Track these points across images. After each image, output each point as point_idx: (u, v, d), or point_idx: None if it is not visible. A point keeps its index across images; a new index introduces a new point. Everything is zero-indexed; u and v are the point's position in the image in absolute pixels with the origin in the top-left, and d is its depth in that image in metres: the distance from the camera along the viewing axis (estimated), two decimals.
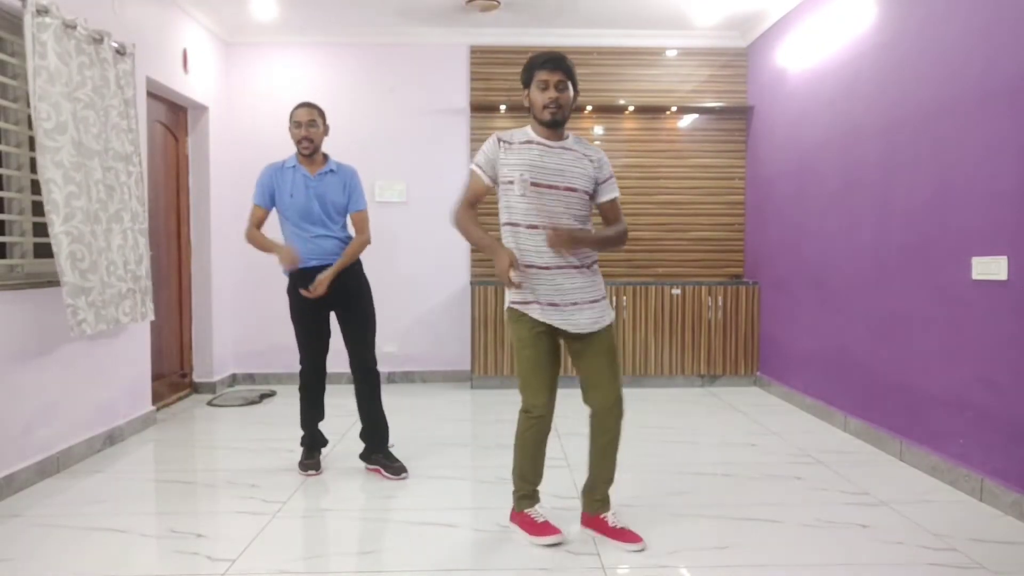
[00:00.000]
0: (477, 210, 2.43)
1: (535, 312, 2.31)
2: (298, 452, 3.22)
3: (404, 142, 5.26)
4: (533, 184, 2.25)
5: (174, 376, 4.64)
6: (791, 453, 3.42)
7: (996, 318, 2.72)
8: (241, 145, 5.17)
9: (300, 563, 2.25)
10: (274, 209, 3.11)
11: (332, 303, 3.07)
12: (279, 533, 2.48)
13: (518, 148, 2.30)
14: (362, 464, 3.18)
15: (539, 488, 2.49)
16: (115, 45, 3.44)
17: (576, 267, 2.32)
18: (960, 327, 2.92)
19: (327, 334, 3.18)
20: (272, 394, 4.85)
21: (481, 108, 5.22)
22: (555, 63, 2.25)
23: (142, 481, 3.11)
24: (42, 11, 2.89)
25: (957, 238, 2.93)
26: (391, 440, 3.22)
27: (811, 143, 4.28)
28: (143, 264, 3.65)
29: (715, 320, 5.04)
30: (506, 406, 4.52)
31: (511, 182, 2.28)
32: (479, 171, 2.35)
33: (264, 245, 3.05)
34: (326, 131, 3.12)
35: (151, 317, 3.73)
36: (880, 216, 3.52)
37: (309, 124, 3.03)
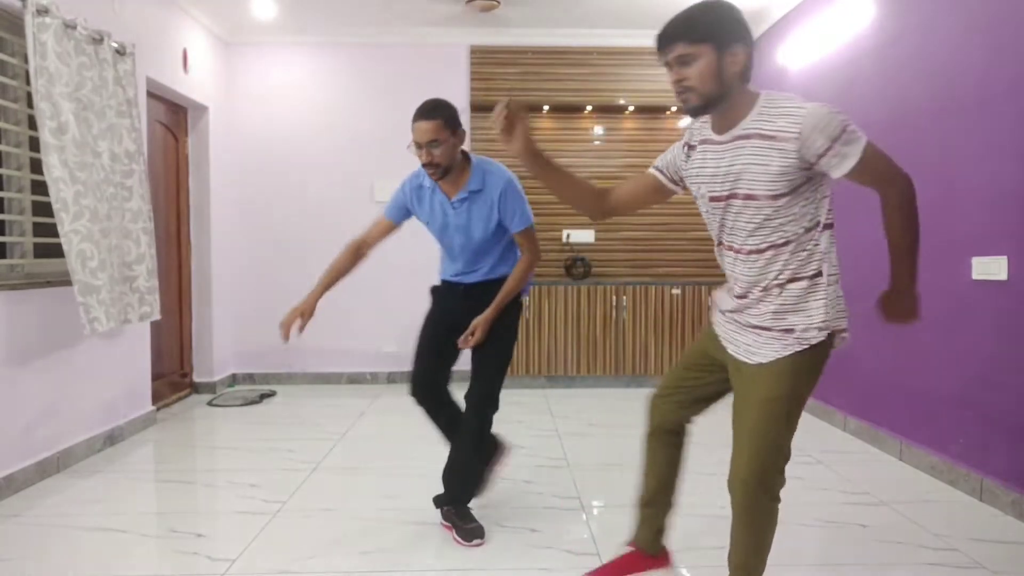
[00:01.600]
0: (623, 199, 1.89)
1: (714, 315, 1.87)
2: (298, 452, 3.18)
3: (404, 142, 5.24)
4: (712, 199, 1.70)
5: (174, 376, 4.64)
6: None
7: (996, 318, 2.72)
8: (241, 145, 5.18)
9: (300, 563, 2.25)
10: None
11: (467, 323, 2.46)
12: (279, 533, 2.48)
13: (699, 152, 1.72)
14: (361, 465, 3.16)
15: (659, 523, 2.05)
16: (115, 45, 3.44)
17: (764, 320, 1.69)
18: (960, 327, 2.92)
19: (450, 357, 2.55)
20: (272, 394, 4.84)
21: (481, 108, 5.21)
22: (662, 38, 1.58)
23: (142, 481, 3.11)
24: (42, 11, 2.89)
25: (957, 238, 2.93)
26: (474, 502, 2.59)
27: None
28: (146, 263, 3.62)
29: None
30: (506, 406, 4.48)
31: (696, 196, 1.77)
32: (654, 169, 1.86)
33: (322, 280, 2.48)
34: (459, 141, 2.35)
35: (156, 316, 3.70)
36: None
37: (430, 145, 2.27)
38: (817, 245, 1.66)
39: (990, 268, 2.73)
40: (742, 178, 1.60)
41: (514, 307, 2.51)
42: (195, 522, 2.63)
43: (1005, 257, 2.66)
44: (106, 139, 3.32)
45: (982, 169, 2.80)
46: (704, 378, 1.89)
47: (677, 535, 2.46)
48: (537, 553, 2.32)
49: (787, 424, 1.70)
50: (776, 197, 1.58)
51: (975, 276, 2.82)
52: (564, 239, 5.31)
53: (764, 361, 1.66)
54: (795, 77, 4.50)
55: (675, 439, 2.03)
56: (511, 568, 2.22)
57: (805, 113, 1.51)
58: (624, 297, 5.00)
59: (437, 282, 2.63)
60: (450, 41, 5.22)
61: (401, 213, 2.51)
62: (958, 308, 2.92)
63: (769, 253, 1.65)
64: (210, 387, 4.89)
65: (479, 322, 2.38)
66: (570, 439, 3.69)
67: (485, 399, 2.48)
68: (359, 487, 2.99)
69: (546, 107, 5.23)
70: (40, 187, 3.02)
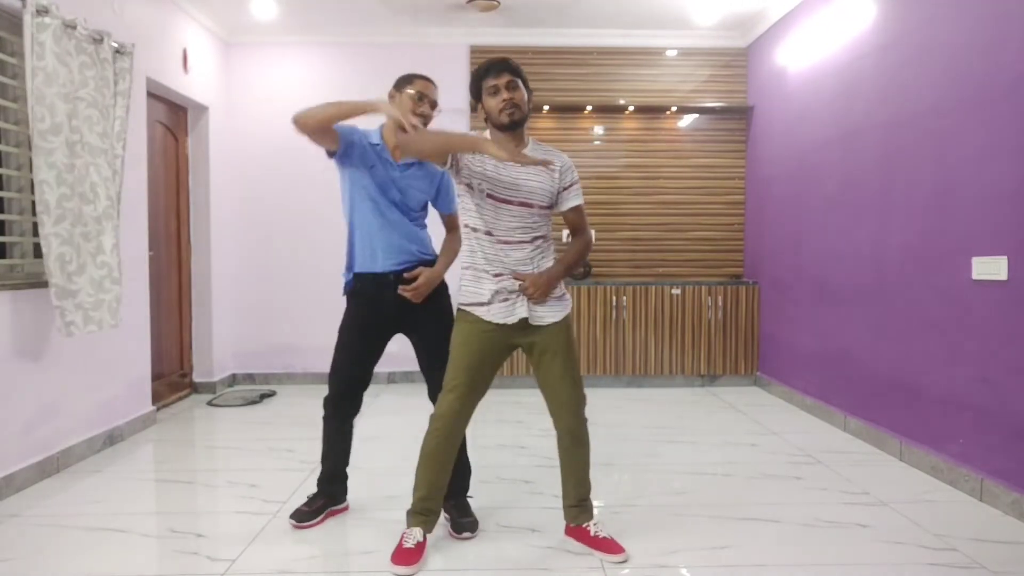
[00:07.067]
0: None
1: (483, 313, 2.23)
2: (298, 452, 3.20)
3: None
4: (490, 196, 2.19)
5: (174, 376, 4.64)
6: (791, 453, 3.41)
7: (996, 318, 2.72)
8: (241, 145, 5.18)
9: (300, 563, 2.25)
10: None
11: (402, 323, 2.56)
12: (279, 533, 2.48)
13: (480, 157, 2.21)
14: (361, 465, 3.16)
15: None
16: (115, 45, 3.44)
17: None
18: (960, 327, 2.92)
19: (374, 362, 2.65)
20: (272, 394, 4.84)
21: None
22: (499, 67, 2.23)
23: (142, 481, 3.11)
24: (42, 11, 2.89)
25: (957, 238, 2.93)
26: (471, 490, 2.63)
27: (811, 143, 4.28)
28: (118, 267, 3.48)
29: (715, 320, 5.04)
30: (505, 406, 4.52)
31: (468, 185, 2.22)
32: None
33: (339, 110, 2.33)
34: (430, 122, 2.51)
35: (117, 323, 3.46)
36: (880, 216, 3.52)
37: (431, 106, 2.53)
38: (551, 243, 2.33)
39: (990, 268, 2.73)
40: (522, 189, 2.20)
41: (445, 293, 2.62)
42: (195, 522, 2.63)
43: (1005, 257, 2.66)
44: (108, 140, 3.32)
45: (982, 169, 2.80)
46: (494, 365, 2.31)
47: (677, 534, 2.46)
48: (537, 553, 2.32)
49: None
50: (543, 208, 2.24)
51: (975, 276, 2.82)
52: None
53: (557, 319, 2.26)
54: (795, 78, 4.51)
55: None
56: (511, 568, 2.22)
57: (565, 157, 2.31)
58: (624, 297, 5.00)
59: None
60: (450, 41, 5.22)
61: (347, 137, 2.45)
62: (958, 308, 2.92)
63: (538, 243, 2.25)
64: (210, 387, 4.89)
65: (425, 279, 2.48)
66: None
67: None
68: (359, 487, 2.98)
69: (546, 107, 5.23)
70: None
